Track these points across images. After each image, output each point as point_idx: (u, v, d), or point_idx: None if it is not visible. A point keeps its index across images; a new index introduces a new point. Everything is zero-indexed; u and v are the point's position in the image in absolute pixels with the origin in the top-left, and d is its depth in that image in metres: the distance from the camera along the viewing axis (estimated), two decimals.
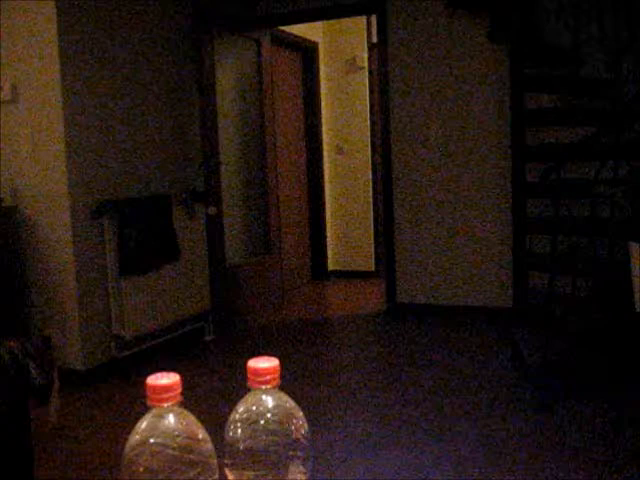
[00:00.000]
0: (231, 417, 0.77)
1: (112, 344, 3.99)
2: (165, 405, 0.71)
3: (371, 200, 6.75)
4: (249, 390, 0.77)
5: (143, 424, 0.72)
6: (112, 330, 4.00)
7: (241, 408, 0.77)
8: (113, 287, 3.99)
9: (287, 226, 6.27)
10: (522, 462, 2.68)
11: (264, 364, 0.76)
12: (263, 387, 0.76)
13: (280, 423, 0.76)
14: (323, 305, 6.17)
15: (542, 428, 3.00)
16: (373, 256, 6.80)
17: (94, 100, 3.95)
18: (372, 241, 6.78)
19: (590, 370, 3.50)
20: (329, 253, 6.92)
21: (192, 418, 0.74)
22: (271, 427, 0.76)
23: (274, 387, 0.76)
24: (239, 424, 0.76)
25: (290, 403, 0.77)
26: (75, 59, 3.80)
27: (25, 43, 3.77)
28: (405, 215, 5.15)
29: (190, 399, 3.05)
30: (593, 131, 4.02)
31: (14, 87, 3.80)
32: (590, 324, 3.63)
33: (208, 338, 4.74)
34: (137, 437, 0.72)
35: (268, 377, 0.75)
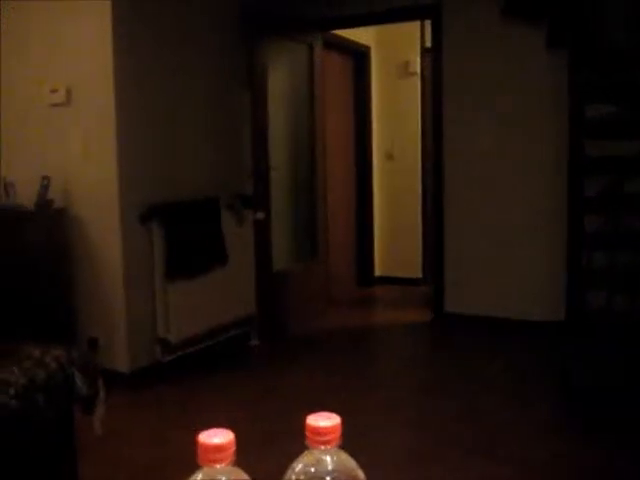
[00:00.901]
0: (287, 477, 0.71)
1: (157, 348, 3.98)
2: (217, 467, 0.66)
3: (420, 207, 6.64)
4: (306, 448, 0.71)
5: None
6: (157, 333, 3.99)
7: (298, 468, 0.71)
8: (159, 290, 3.98)
9: (334, 232, 6.20)
10: None
11: (325, 422, 0.70)
12: (322, 447, 0.70)
13: None
14: (368, 313, 6.10)
15: (587, 452, 2.89)
16: (421, 263, 6.69)
17: (145, 104, 3.95)
18: (420, 248, 6.67)
19: None
20: (376, 259, 6.84)
21: (244, 477, 0.69)
22: None
23: (335, 447, 0.70)
24: None
25: (351, 464, 0.71)
26: (128, 63, 3.80)
27: (80, 46, 3.79)
28: (455, 223, 5.05)
29: (233, 408, 3.01)
30: None
31: (68, 90, 3.81)
32: None
33: (253, 343, 4.70)
34: None
35: (329, 437, 0.69)
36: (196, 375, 4.01)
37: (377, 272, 6.87)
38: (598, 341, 3.71)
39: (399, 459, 2.89)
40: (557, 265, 4.58)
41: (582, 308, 4.11)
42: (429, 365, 4.33)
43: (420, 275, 6.69)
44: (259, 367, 4.28)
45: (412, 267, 6.68)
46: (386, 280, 6.76)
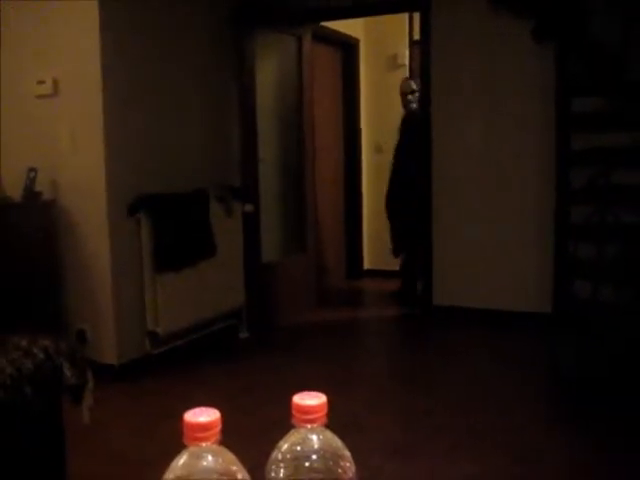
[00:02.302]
0: (273, 456, 0.72)
1: (146, 340, 3.98)
2: (203, 445, 0.66)
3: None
4: (293, 427, 0.72)
5: (179, 463, 0.67)
6: (146, 326, 3.98)
7: (284, 447, 0.71)
8: (148, 282, 3.97)
9: (323, 224, 6.21)
10: (550, 476, 2.59)
11: (311, 401, 0.70)
12: (309, 426, 0.70)
13: (326, 465, 0.70)
14: (357, 305, 6.12)
15: (576, 443, 2.91)
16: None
17: (134, 95, 3.93)
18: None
19: (631, 385, 3.38)
20: (365, 252, 6.85)
21: (231, 457, 0.69)
22: (316, 469, 0.70)
23: (321, 425, 0.71)
24: (282, 464, 0.71)
25: (337, 443, 0.72)
26: (115, 54, 3.78)
27: (67, 38, 3.76)
28: (443, 216, 5.06)
29: (224, 399, 3.02)
30: None
31: (55, 82, 3.79)
32: (634, 336, 3.51)
33: (242, 336, 4.71)
34: (172, 477, 0.67)
35: (315, 415, 0.70)
36: (185, 367, 4.00)
37: (366, 265, 6.88)
38: (586, 332, 3.73)
39: (387, 449, 2.90)
40: (545, 257, 4.60)
41: (569, 299, 4.13)
42: (417, 357, 4.35)
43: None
44: (248, 359, 4.28)
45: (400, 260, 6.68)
46: (375, 273, 6.77)
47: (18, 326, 2.34)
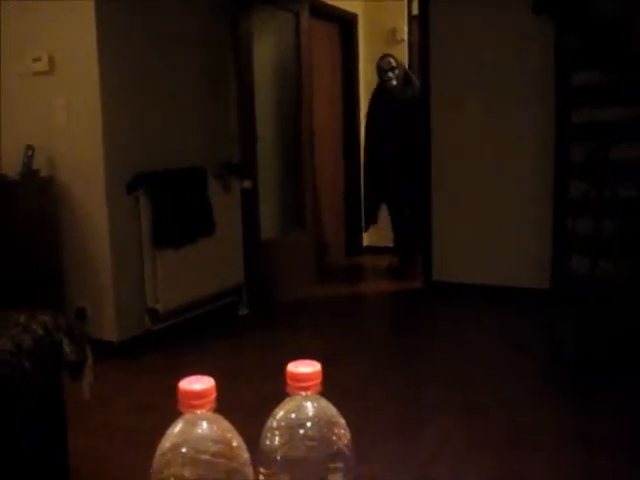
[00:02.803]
0: (268, 424, 0.72)
1: (146, 317, 3.99)
2: (198, 412, 0.67)
3: None
4: (287, 395, 0.72)
5: (175, 430, 0.68)
6: (146, 303, 3.99)
7: (279, 414, 0.72)
8: (147, 260, 3.97)
9: (323, 201, 6.20)
10: (548, 451, 2.61)
11: (305, 369, 0.70)
12: (303, 393, 0.71)
13: (321, 432, 0.71)
14: (356, 281, 6.13)
15: (575, 418, 2.92)
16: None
17: (130, 71, 3.90)
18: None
19: (629, 360, 3.40)
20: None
21: (226, 424, 0.69)
22: (311, 436, 0.70)
23: (315, 393, 0.71)
24: (277, 432, 0.71)
25: (332, 411, 0.72)
26: (111, 30, 3.75)
27: (62, 14, 3.73)
28: (442, 192, 5.05)
29: (224, 374, 3.03)
30: None
31: (51, 58, 3.77)
32: (632, 311, 3.52)
33: (242, 312, 4.72)
34: (168, 444, 0.68)
35: (310, 383, 0.70)
36: (185, 344, 4.02)
37: (365, 242, 6.89)
38: (584, 307, 3.74)
39: (388, 424, 2.92)
40: (543, 232, 4.60)
41: (568, 275, 4.14)
42: (417, 332, 4.36)
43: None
44: (248, 336, 4.30)
45: None
46: (375, 250, 6.77)
47: (18, 304, 2.35)
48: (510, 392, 3.22)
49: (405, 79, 5.63)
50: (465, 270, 5.01)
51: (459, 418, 2.94)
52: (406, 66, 6.47)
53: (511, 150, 4.78)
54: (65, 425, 2.33)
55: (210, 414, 0.68)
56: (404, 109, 5.53)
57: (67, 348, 2.14)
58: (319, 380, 0.71)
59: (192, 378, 0.68)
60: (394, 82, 5.58)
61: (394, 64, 5.60)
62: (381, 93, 5.71)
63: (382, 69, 5.64)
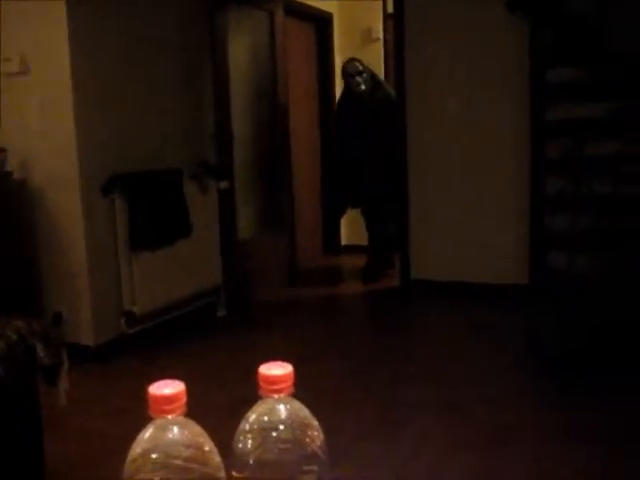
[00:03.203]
0: (240, 427, 0.71)
1: (122, 320, 3.95)
2: (169, 417, 0.65)
3: None
4: (260, 398, 0.71)
5: (146, 435, 0.67)
6: (122, 306, 3.96)
7: (251, 417, 0.71)
8: (124, 262, 3.93)
9: (300, 201, 6.19)
10: (530, 447, 2.62)
11: (277, 371, 0.69)
12: (275, 396, 0.69)
13: (294, 435, 0.70)
14: (334, 281, 6.12)
15: (556, 414, 2.94)
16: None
17: (104, 72, 3.86)
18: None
19: (611, 355, 3.42)
20: (342, 228, 6.84)
21: (198, 429, 0.68)
22: (284, 439, 0.69)
23: (287, 395, 0.70)
24: (249, 435, 0.70)
25: (305, 412, 0.71)
26: (84, 31, 3.71)
27: (34, 14, 3.68)
28: (419, 190, 5.06)
29: (199, 377, 3.01)
30: (618, 106, 3.90)
31: (23, 59, 3.71)
32: (610, 306, 3.55)
33: (220, 314, 4.69)
34: (139, 450, 0.66)
35: (282, 385, 0.69)
36: (162, 347, 3.99)
37: (343, 241, 6.88)
38: (562, 303, 3.76)
39: (364, 423, 2.92)
40: (521, 228, 4.63)
41: (546, 271, 4.17)
42: (395, 331, 4.36)
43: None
44: (226, 337, 4.28)
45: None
46: (353, 249, 6.77)
47: None
48: (490, 389, 3.23)
49: (373, 83, 5.53)
50: (443, 268, 5.02)
51: (439, 417, 2.94)
52: (382, 66, 6.50)
53: (487, 147, 4.80)
54: (41, 431, 2.30)
55: (181, 418, 0.67)
56: (376, 112, 5.45)
57: (41, 353, 2.11)
58: (291, 382, 0.70)
59: (162, 382, 0.67)
60: (363, 86, 5.44)
61: (361, 68, 5.45)
62: (350, 98, 5.58)
63: (349, 74, 5.47)
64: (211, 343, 4.12)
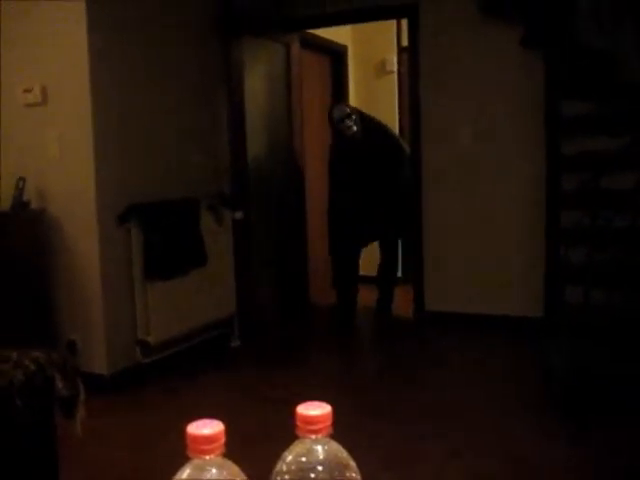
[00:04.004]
0: (277, 467, 0.70)
1: (137, 349, 3.95)
2: (207, 457, 0.65)
3: None
4: (297, 437, 0.70)
5: (183, 476, 0.66)
6: (137, 335, 3.95)
7: (288, 458, 0.70)
8: (138, 292, 3.94)
9: (313, 231, 6.19)
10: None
11: (316, 411, 0.69)
12: (313, 436, 0.69)
13: (332, 476, 0.69)
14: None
15: (573, 450, 2.90)
16: (400, 262, 6.69)
17: (122, 102, 3.91)
18: (399, 247, 6.66)
19: (624, 391, 3.38)
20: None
21: (236, 469, 0.68)
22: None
23: (325, 436, 0.69)
24: (287, 476, 0.69)
25: (343, 454, 0.71)
26: (104, 61, 3.76)
27: (55, 45, 3.74)
28: (434, 221, 5.06)
29: (213, 409, 2.99)
30: (634, 139, 3.90)
31: (44, 89, 3.77)
32: (626, 340, 3.51)
33: (233, 344, 4.68)
34: None
35: (320, 425, 0.68)
36: (176, 377, 3.97)
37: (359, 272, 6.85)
38: (578, 336, 3.73)
39: (382, 459, 2.88)
40: (536, 261, 4.61)
41: (561, 304, 4.14)
42: (411, 362, 4.33)
43: (400, 274, 6.69)
44: (239, 368, 4.26)
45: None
46: (366, 279, 6.74)
47: (8, 338, 2.31)
48: (503, 423, 3.19)
49: (364, 123, 5.24)
50: (458, 299, 4.99)
51: (454, 451, 2.91)
52: (395, 98, 6.52)
53: (502, 180, 4.80)
54: (57, 463, 2.28)
55: (219, 459, 0.66)
56: (376, 153, 5.27)
57: (59, 384, 2.10)
58: (329, 422, 0.69)
59: (200, 422, 0.66)
60: (355, 128, 5.16)
61: (348, 110, 5.21)
62: (343, 143, 5.31)
63: (338, 119, 5.17)
64: (225, 374, 4.10)
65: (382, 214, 5.33)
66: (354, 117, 5.17)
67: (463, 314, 4.93)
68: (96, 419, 3.00)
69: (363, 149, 5.23)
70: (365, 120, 5.30)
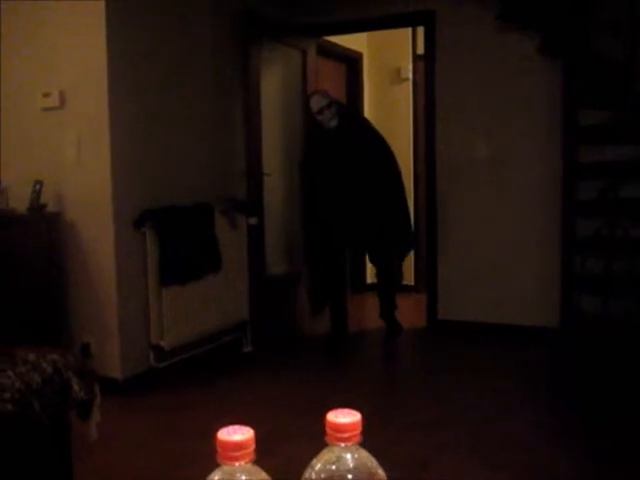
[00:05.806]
0: (306, 475, 0.70)
1: (151, 354, 3.95)
2: (237, 464, 0.64)
3: (412, 214, 6.63)
4: (326, 445, 0.70)
5: None
6: (151, 340, 3.96)
7: (318, 466, 0.69)
8: (153, 296, 3.94)
9: None
10: None
11: (345, 419, 0.68)
12: (342, 445, 0.68)
13: None
14: (360, 319, 6.07)
15: (587, 460, 2.87)
16: (413, 270, 6.68)
17: (139, 107, 3.92)
18: (412, 255, 6.65)
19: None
20: (368, 266, 6.81)
21: (265, 476, 0.67)
22: None
23: (355, 444, 0.69)
24: None
25: (372, 462, 0.70)
26: (122, 66, 3.78)
27: (73, 49, 3.76)
28: (448, 230, 5.04)
29: (226, 415, 2.98)
30: None
31: (61, 94, 3.79)
32: None
33: (246, 349, 4.67)
34: None
35: (349, 434, 0.68)
36: (190, 382, 3.97)
37: (369, 279, 6.85)
38: (594, 347, 3.71)
39: (400, 463, 2.87)
40: (552, 270, 4.58)
41: (577, 314, 4.11)
42: (423, 371, 4.32)
43: (412, 282, 6.68)
44: (253, 373, 4.25)
45: (405, 274, 6.66)
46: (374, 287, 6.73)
47: (23, 340, 2.32)
48: (521, 432, 3.17)
49: (344, 115, 4.79)
50: (471, 309, 4.97)
51: (470, 461, 2.89)
52: (410, 105, 6.50)
53: (518, 189, 4.78)
54: (71, 465, 2.29)
55: (249, 466, 0.66)
56: (359, 149, 4.75)
57: (76, 387, 2.10)
58: (359, 431, 0.69)
59: (231, 428, 0.66)
60: (335, 121, 4.67)
61: (329, 100, 4.69)
62: (321, 137, 4.80)
63: (318, 109, 4.67)
64: (238, 379, 4.09)
65: (366, 217, 4.78)
66: (333, 109, 4.67)
67: (477, 323, 4.90)
68: (109, 423, 3.00)
69: (345, 144, 4.72)
70: (345, 111, 4.91)
